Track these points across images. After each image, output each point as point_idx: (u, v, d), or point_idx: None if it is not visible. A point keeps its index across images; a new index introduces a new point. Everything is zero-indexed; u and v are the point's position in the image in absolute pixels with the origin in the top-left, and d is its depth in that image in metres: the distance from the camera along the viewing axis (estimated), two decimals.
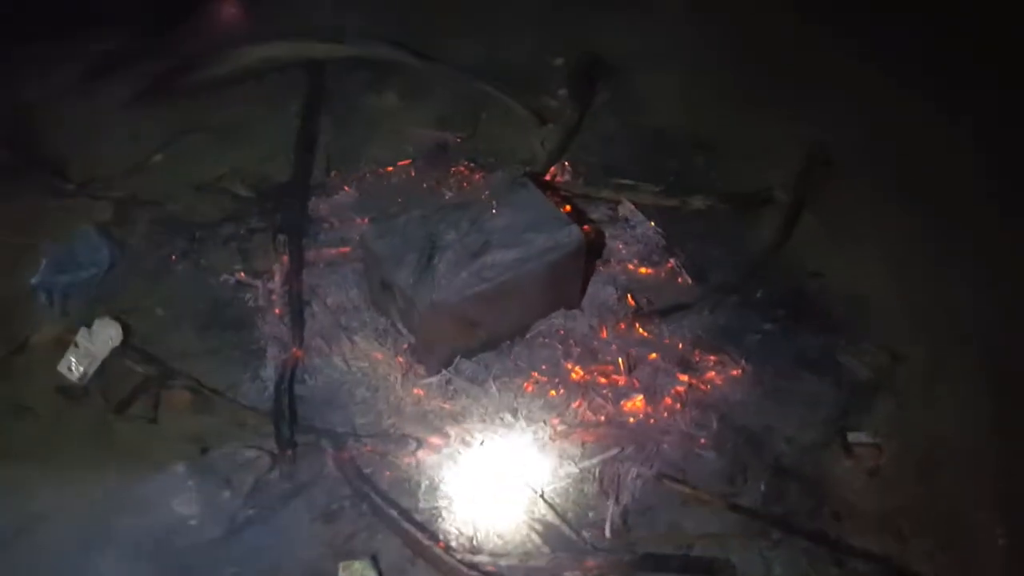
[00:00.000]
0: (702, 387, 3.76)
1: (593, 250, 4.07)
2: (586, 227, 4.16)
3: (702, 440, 3.56)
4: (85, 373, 3.61)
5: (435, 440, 3.47)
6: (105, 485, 3.29)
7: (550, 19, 5.61)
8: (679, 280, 4.21)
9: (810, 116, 4.89)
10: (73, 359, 3.61)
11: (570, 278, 3.85)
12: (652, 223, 4.43)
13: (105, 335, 3.66)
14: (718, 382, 3.78)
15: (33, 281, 3.86)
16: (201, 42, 5.21)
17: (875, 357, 3.89)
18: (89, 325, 3.69)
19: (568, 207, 4.46)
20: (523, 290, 3.67)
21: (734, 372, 3.81)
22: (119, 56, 5.12)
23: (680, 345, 3.90)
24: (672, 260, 4.26)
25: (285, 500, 3.30)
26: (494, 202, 3.81)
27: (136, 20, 5.26)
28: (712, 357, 3.86)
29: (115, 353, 3.67)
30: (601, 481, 3.41)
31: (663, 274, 4.23)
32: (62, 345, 3.68)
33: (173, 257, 4.14)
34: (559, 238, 3.68)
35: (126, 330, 3.74)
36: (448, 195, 4.39)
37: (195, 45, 5.20)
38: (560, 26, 5.56)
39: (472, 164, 4.68)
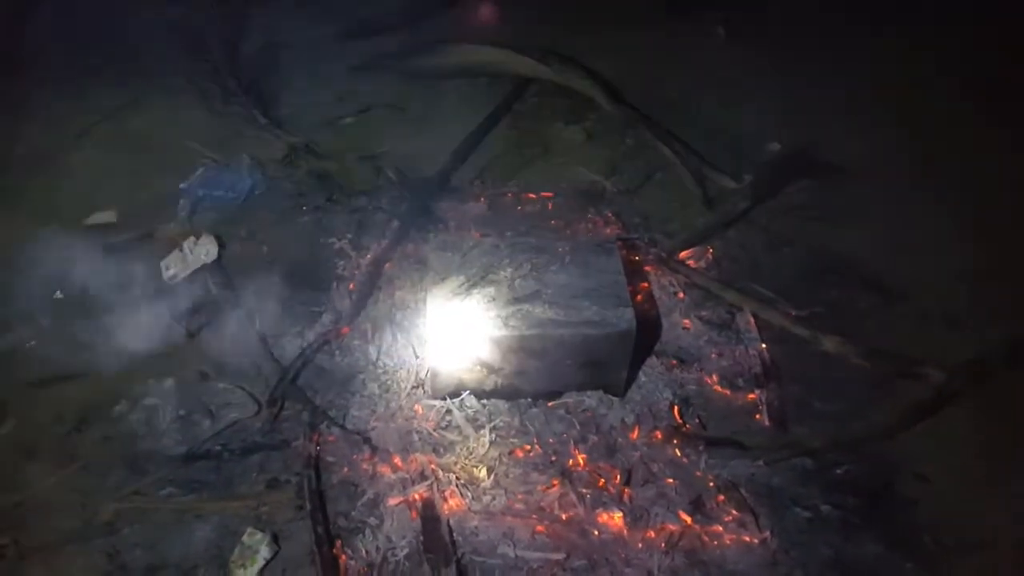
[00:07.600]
0: (703, 538, 3.22)
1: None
2: None
3: None
4: (175, 275, 4.03)
5: (398, 461, 3.38)
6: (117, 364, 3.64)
7: (794, 104, 5.16)
8: (755, 416, 3.65)
9: None
10: (172, 261, 4.06)
11: (614, 361, 3.51)
12: (764, 346, 3.89)
13: (202, 250, 4.05)
14: (725, 541, 3.21)
15: (181, 186, 4.39)
16: (442, 32, 5.53)
17: None
18: (198, 237, 4.12)
19: (686, 295, 4.09)
20: (552, 353, 3.43)
21: (749, 538, 3.22)
22: (375, 26, 5.62)
23: (710, 484, 3.38)
24: (758, 392, 3.71)
25: (247, 452, 3.43)
26: (568, 257, 3.60)
27: None
28: (734, 512, 3.29)
29: (206, 268, 4.05)
30: None
31: (740, 402, 3.70)
32: (175, 245, 4.14)
33: (304, 208, 4.46)
34: (608, 316, 3.38)
35: (224, 252, 4.11)
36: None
37: (436, 33, 5.53)
38: (800, 115, 5.09)
39: (613, 217, 4.46)
